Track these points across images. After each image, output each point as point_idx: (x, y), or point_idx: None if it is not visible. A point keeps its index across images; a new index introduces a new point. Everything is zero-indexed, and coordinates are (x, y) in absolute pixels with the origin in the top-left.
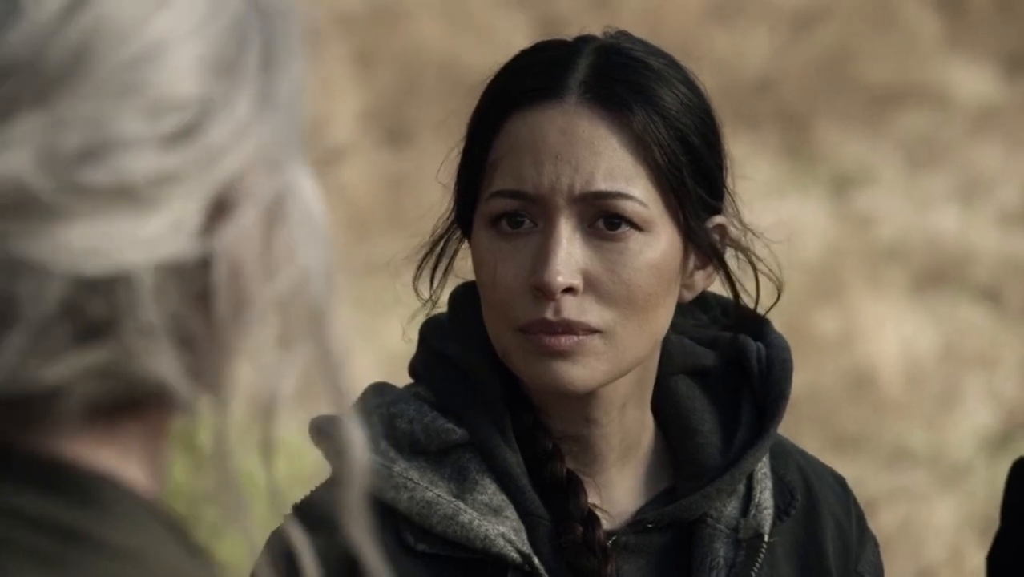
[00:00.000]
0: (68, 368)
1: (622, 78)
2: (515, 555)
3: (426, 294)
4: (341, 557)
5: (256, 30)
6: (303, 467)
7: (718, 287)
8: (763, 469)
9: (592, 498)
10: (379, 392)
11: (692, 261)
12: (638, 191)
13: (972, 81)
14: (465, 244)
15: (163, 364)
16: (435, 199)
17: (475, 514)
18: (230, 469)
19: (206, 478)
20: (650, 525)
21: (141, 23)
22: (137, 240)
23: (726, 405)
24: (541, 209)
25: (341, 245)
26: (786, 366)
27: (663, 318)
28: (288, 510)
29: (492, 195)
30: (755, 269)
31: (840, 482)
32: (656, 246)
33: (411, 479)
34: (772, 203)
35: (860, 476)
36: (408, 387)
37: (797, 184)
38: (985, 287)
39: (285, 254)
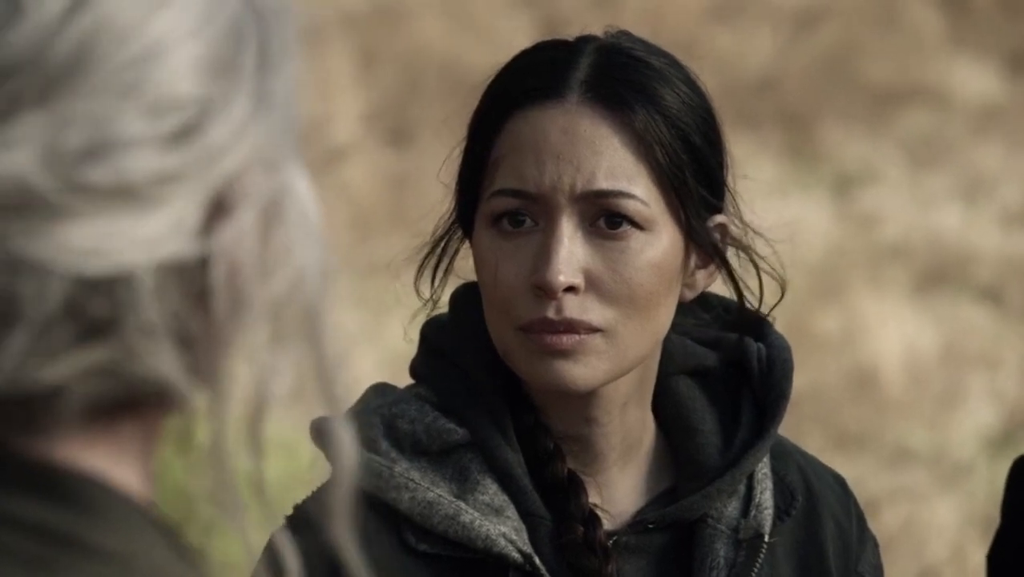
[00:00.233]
0: (69, 367)
1: (623, 77)
2: (516, 555)
3: (427, 294)
4: (327, 559)
5: (252, 30)
6: (300, 467)
7: (719, 287)
8: (763, 469)
9: (593, 498)
10: (380, 392)
11: (693, 260)
12: (639, 190)
13: (975, 80)
14: (466, 244)
15: (164, 363)
16: (437, 199)
17: (476, 514)
18: (228, 469)
19: (202, 478)
20: (651, 525)
21: (141, 23)
22: (138, 240)
23: (727, 405)
24: (542, 208)
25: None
26: (787, 366)
27: (664, 317)
28: (288, 511)
29: (493, 194)
30: (757, 268)
31: (840, 482)
32: (657, 245)
33: (412, 479)
34: (774, 203)
35: (862, 476)
36: (409, 387)
37: (799, 184)
38: (987, 287)
39: (282, 254)
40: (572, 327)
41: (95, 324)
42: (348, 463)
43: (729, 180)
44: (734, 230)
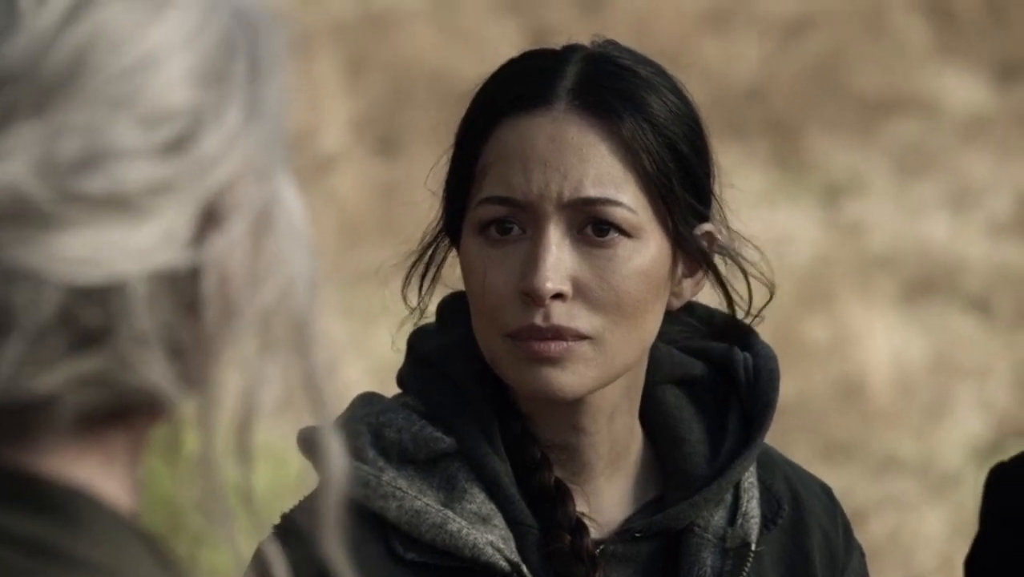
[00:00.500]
0: (62, 376)
1: (610, 86)
2: (504, 563)
3: (414, 303)
4: (316, 569)
5: (243, 41)
6: (288, 476)
7: (707, 296)
8: (750, 479)
9: (580, 507)
10: (367, 402)
11: (680, 269)
12: (627, 198)
13: (963, 90)
14: (453, 253)
15: (156, 372)
16: (426, 208)
17: (464, 523)
18: (216, 477)
19: (190, 488)
20: (638, 534)
21: (135, 35)
22: (130, 249)
23: (714, 415)
24: (530, 216)
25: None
26: (773, 376)
27: (652, 325)
28: (275, 520)
29: (481, 202)
30: (746, 275)
31: (827, 492)
32: (645, 253)
33: (400, 488)
34: (762, 212)
35: (850, 485)
36: (396, 397)
37: (787, 193)
38: (975, 296)
39: (272, 264)
40: (560, 334)
41: (88, 333)
42: (337, 472)
43: (716, 189)
44: (721, 238)
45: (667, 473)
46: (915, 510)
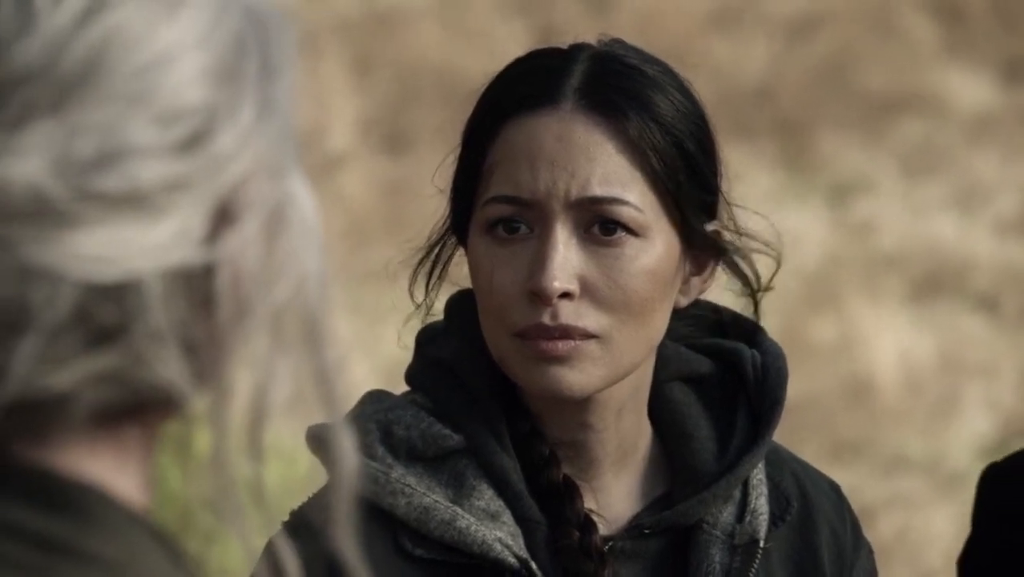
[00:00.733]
0: (78, 374)
1: (617, 85)
2: (512, 560)
3: (421, 300)
4: (327, 565)
5: (254, 40)
6: (297, 474)
7: (714, 295)
8: (758, 475)
9: (588, 503)
10: (376, 399)
11: (688, 267)
12: (634, 196)
13: (970, 89)
14: (460, 251)
15: (170, 369)
16: (433, 206)
17: (472, 519)
18: (229, 474)
19: (202, 485)
20: (646, 531)
21: (149, 33)
22: (146, 247)
23: (722, 412)
24: (537, 215)
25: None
26: (781, 373)
27: (659, 323)
28: (284, 517)
29: (488, 201)
30: (755, 282)
31: (835, 489)
32: (652, 252)
33: (408, 485)
34: (770, 212)
35: (858, 484)
36: (405, 394)
37: (795, 192)
38: (983, 295)
39: (284, 262)
40: (567, 333)
41: (104, 331)
42: (349, 468)
43: (723, 187)
44: (728, 236)
45: (675, 470)
46: (923, 509)
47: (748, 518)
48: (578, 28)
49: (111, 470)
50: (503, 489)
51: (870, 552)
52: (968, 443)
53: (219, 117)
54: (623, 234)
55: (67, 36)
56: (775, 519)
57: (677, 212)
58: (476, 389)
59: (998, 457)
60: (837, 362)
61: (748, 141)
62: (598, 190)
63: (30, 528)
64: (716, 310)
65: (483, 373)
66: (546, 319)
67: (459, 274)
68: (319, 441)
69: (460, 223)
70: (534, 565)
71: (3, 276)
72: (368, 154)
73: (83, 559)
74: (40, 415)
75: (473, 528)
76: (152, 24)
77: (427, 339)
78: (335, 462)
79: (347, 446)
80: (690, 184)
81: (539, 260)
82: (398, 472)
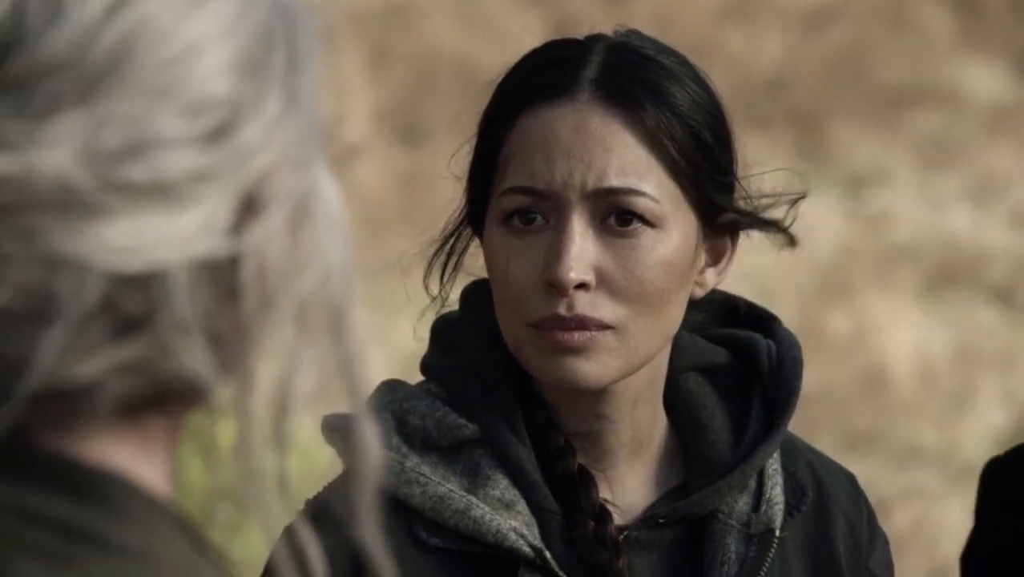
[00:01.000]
0: (104, 364)
1: (633, 75)
2: (527, 549)
3: (436, 292)
4: (349, 555)
5: (280, 32)
6: (316, 465)
7: (730, 286)
8: (774, 465)
9: (603, 493)
10: (391, 389)
11: (704, 258)
12: (650, 187)
13: (986, 81)
14: (475, 242)
15: (195, 360)
16: (448, 198)
17: (487, 509)
18: (253, 466)
19: (224, 476)
20: (662, 520)
21: (177, 25)
22: (172, 238)
23: (737, 402)
24: (553, 205)
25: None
26: (796, 363)
27: (675, 314)
28: (300, 506)
29: (504, 192)
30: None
31: (851, 479)
32: (668, 242)
33: (423, 474)
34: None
35: (873, 476)
36: (420, 384)
37: (809, 184)
38: (998, 287)
39: (309, 253)
40: (583, 324)
41: (130, 321)
42: (372, 458)
43: (738, 177)
44: (744, 217)
45: (690, 460)
46: (938, 501)
47: (764, 508)
48: (593, 19)
49: (136, 460)
50: (518, 479)
51: (886, 542)
52: (983, 435)
53: (245, 109)
54: (639, 225)
55: (95, 28)
56: (791, 509)
57: (694, 202)
58: (491, 379)
59: None
60: (852, 354)
61: (763, 132)
62: (614, 181)
63: (55, 516)
64: (731, 300)
65: (498, 363)
66: (562, 310)
67: (474, 265)
68: (336, 431)
69: (476, 214)
70: (548, 554)
71: (30, 266)
72: (384, 146)
73: (108, 548)
74: (66, 405)
75: (488, 517)
76: (179, 16)
77: (442, 329)
78: (358, 452)
79: (370, 436)
80: (707, 174)
81: (555, 251)
82: (413, 461)
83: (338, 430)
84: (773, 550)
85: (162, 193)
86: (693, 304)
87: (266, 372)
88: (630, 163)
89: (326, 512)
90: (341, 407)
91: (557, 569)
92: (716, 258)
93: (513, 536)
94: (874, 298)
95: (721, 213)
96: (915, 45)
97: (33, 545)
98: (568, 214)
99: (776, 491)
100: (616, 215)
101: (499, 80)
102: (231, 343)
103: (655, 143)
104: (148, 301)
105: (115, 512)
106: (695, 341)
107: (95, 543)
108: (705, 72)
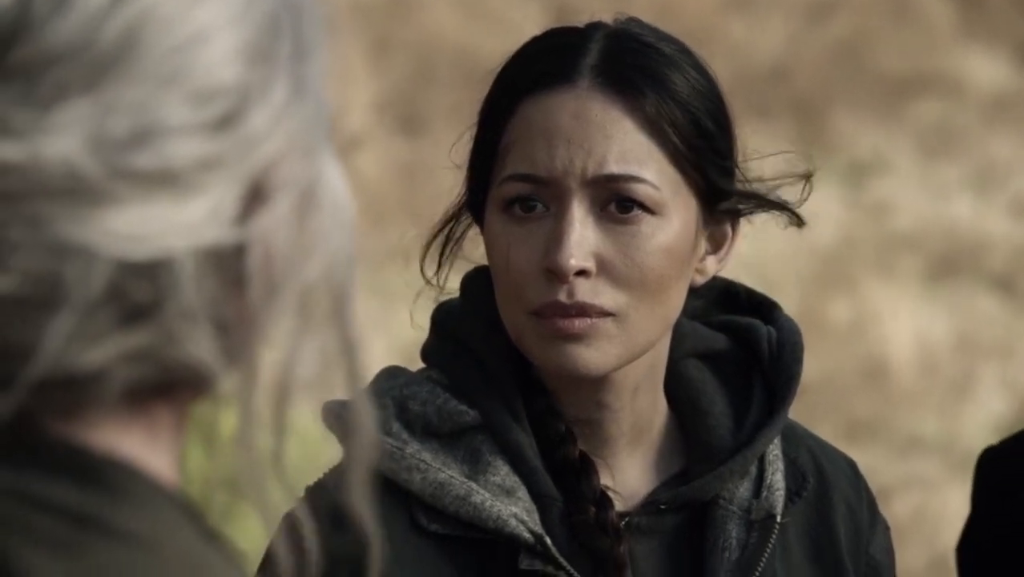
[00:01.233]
0: (111, 351)
1: (634, 63)
2: (528, 535)
3: (435, 279)
4: (348, 542)
5: (287, 20)
6: (315, 452)
7: (730, 273)
8: (775, 451)
9: (604, 480)
10: (392, 375)
11: (704, 245)
12: (650, 174)
13: (987, 70)
14: (475, 228)
15: (202, 348)
16: (449, 187)
17: (487, 495)
18: (256, 451)
19: (223, 463)
20: (663, 506)
21: (184, 12)
22: (179, 225)
23: (737, 388)
24: (554, 193)
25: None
26: (796, 349)
27: (675, 301)
28: (300, 493)
29: (505, 179)
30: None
31: (852, 466)
32: (668, 229)
33: (424, 460)
34: (785, 192)
35: (873, 464)
36: (421, 371)
37: (815, 165)
38: (999, 276)
39: (315, 241)
40: (584, 311)
41: (137, 308)
42: (367, 441)
43: (738, 164)
44: (745, 202)
45: (691, 446)
46: (939, 489)
47: (765, 493)
48: (594, 8)
49: (143, 447)
50: (519, 465)
51: (886, 528)
52: (984, 423)
53: (252, 97)
54: (639, 212)
55: (102, 15)
56: (791, 495)
57: (695, 189)
58: (492, 366)
59: None
60: (852, 343)
61: (764, 121)
62: (615, 168)
63: (62, 503)
64: (730, 286)
65: (499, 350)
66: (562, 297)
67: (474, 253)
68: (336, 417)
69: (476, 202)
70: (549, 541)
71: (37, 253)
72: (384, 135)
73: (115, 535)
74: (73, 392)
75: (488, 503)
76: (186, 4)
77: (443, 316)
78: (353, 435)
79: (366, 420)
80: (707, 162)
81: (555, 238)
82: (413, 448)
83: (338, 416)
84: (774, 536)
85: (169, 181)
86: (693, 291)
87: (267, 359)
88: (630, 150)
89: (325, 498)
90: (341, 394)
91: (558, 555)
92: (717, 245)
93: (514, 522)
94: (875, 287)
95: (723, 198)
96: (916, 34)
97: (39, 532)
98: (568, 201)
99: (777, 477)
100: (616, 202)
101: (499, 68)
102: (237, 331)
103: (655, 130)
104: (155, 289)
105: (122, 499)
106: (695, 328)
107: (102, 530)
108: (705, 60)
